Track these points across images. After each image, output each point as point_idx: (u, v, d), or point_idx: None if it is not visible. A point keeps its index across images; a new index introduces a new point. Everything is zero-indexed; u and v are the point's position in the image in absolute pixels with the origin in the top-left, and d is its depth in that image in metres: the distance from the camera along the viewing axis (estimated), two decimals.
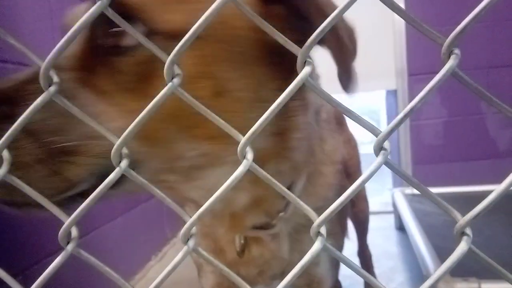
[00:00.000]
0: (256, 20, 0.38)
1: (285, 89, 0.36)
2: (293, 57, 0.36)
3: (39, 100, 0.38)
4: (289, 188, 0.78)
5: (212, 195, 0.64)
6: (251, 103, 0.62)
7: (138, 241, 2.31)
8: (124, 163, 0.40)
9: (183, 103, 0.38)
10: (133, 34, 0.38)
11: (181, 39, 0.35)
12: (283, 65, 0.61)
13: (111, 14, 0.37)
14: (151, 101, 0.37)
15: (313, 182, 0.85)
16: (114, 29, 0.55)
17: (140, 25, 0.54)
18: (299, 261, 0.35)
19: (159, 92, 0.37)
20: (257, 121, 0.36)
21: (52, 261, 0.41)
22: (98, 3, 0.35)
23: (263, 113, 0.36)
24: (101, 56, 0.57)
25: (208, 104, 0.40)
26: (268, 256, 0.89)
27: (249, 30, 0.60)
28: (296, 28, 0.60)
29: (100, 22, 0.51)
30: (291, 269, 0.35)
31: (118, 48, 0.56)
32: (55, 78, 0.38)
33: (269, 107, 0.36)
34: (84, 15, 0.35)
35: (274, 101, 0.36)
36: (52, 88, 0.38)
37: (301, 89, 0.36)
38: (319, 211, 0.84)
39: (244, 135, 0.38)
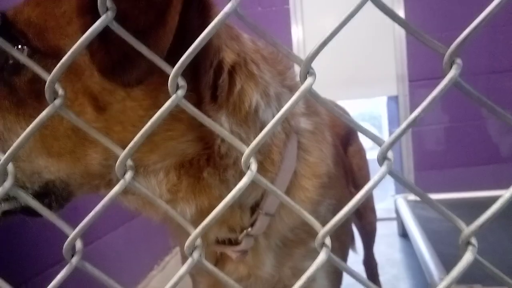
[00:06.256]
0: None
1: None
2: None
3: (44, 112, 0.38)
4: (258, 203, 0.77)
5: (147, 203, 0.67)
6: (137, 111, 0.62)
7: (140, 251, 2.30)
8: (128, 175, 0.40)
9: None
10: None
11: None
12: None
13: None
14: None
15: (291, 197, 0.79)
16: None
17: (28, 44, 0.60)
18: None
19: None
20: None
21: (55, 271, 0.41)
22: (102, 18, 0.36)
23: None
24: (5, 77, 0.63)
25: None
26: (244, 272, 0.85)
27: None
28: None
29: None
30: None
31: (17, 66, 0.62)
32: (60, 91, 0.38)
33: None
34: (89, 30, 0.36)
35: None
36: (58, 101, 0.38)
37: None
38: (298, 230, 0.82)
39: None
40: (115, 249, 1.99)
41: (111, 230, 1.97)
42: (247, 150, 0.38)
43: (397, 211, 3.04)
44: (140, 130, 0.62)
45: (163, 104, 0.37)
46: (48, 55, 0.60)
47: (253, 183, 0.37)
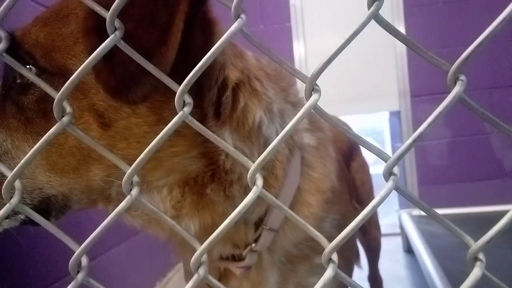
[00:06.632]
0: None
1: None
2: None
3: (53, 129, 0.39)
4: (262, 218, 0.77)
5: (153, 220, 0.67)
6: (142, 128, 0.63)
7: (143, 267, 2.29)
8: (135, 191, 0.40)
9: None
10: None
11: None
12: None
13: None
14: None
15: (295, 212, 0.77)
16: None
17: (35, 65, 0.62)
18: None
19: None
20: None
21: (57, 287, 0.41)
22: (111, 37, 0.36)
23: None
24: (13, 96, 0.65)
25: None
26: None
27: None
28: None
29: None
30: None
31: (25, 86, 0.64)
32: (68, 109, 0.39)
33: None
34: (98, 48, 0.37)
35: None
36: (66, 119, 0.39)
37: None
38: (302, 245, 0.82)
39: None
40: (118, 265, 1.98)
41: (114, 246, 1.96)
42: (253, 166, 0.38)
43: (401, 227, 3.02)
44: (144, 146, 0.63)
45: (168, 120, 0.37)
46: (55, 75, 0.61)
47: (257, 199, 0.37)
